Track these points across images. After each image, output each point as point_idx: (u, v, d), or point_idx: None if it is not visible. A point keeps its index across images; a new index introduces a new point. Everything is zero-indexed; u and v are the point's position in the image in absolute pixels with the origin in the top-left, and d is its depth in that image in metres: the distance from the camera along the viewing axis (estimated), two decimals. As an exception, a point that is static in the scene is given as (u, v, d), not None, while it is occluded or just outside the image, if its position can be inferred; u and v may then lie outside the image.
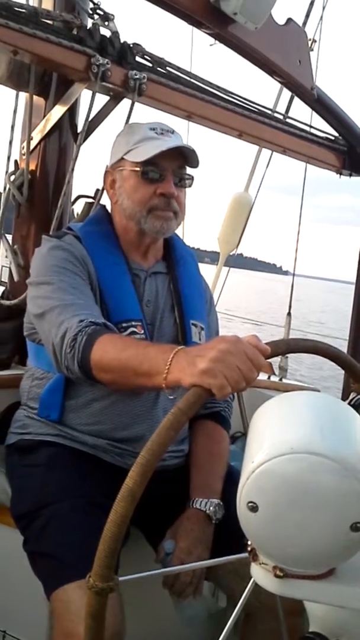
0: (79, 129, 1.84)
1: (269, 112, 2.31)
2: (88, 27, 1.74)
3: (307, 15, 3.00)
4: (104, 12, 1.76)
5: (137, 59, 1.82)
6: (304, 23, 2.94)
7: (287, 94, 2.71)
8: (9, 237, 2.00)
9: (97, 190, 1.90)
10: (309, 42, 2.60)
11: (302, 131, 2.40)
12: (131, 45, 1.79)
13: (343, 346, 2.61)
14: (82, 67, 1.67)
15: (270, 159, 3.07)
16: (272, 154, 2.92)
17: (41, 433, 1.48)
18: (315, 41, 2.86)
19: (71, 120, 1.93)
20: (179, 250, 1.64)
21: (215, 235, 3.17)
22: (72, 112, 1.90)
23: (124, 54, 1.76)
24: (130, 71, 1.76)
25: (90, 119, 1.80)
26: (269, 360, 2.72)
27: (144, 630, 1.45)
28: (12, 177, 1.91)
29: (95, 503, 1.29)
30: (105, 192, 1.59)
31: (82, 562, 0.98)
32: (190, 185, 1.51)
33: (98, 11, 1.76)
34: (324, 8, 3.08)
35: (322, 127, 2.50)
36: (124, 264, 1.50)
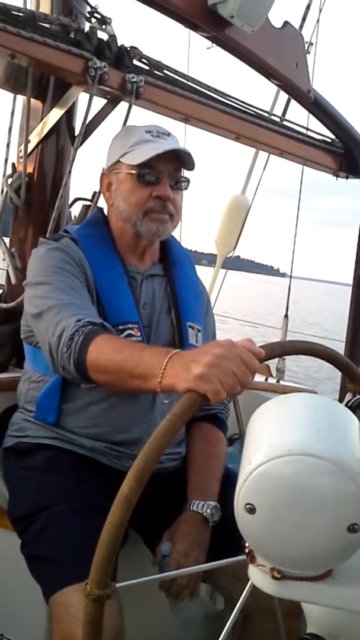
0: (77, 131, 1.84)
1: (266, 114, 2.32)
2: (85, 31, 1.74)
3: (304, 19, 3.01)
4: (101, 15, 1.76)
5: (135, 62, 1.82)
6: (301, 26, 2.95)
7: (284, 96, 2.72)
8: (7, 239, 2.00)
9: (95, 192, 1.90)
10: (306, 45, 2.61)
11: (299, 134, 2.41)
12: (128, 49, 1.79)
13: (340, 348, 2.61)
14: (80, 71, 1.67)
15: (267, 162, 3.08)
16: (269, 156, 2.93)
17: (38, 436, 1.48)
18: (312, 44, 2.87)
19: (68, 123, 1.93)
20: (175, 252, 1.64)
21: (213, 237, 3.17)
22: (69, 115, 1.91)
23: (121, 57, 1.76)
24: (127, 74, 1.76)
25: (87, 122, 1.80)
26: (267, 362, 2.73)
27: (141, 632, 1.45)
28: (10, 180, 1.91)
29: (93, 506, 1.29)
30: (102, 194, 1.59)
31: (80, 565, 0.98)
32: (186, 188, 1.52)
33: (95, 15, 1.77)
34: (320, 11, 3.10)
35: (318, 129, 2.50)
36: (121, 266, 1.51)
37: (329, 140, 2.53)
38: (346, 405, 1.07)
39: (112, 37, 1.76)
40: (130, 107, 1.81)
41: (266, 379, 2.63)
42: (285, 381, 2.79)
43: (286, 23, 2.17)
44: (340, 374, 1.18)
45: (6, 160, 1.93)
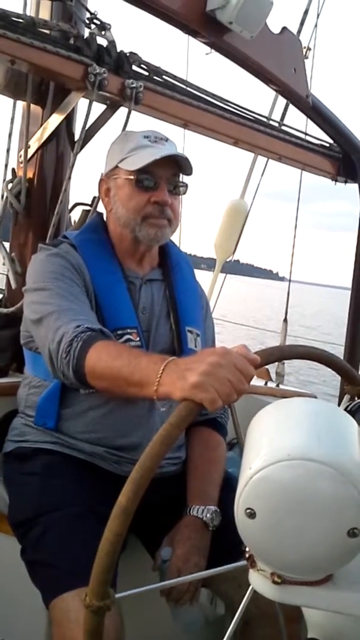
0: (76, 137, 1.85)
1: (265, 119, 2.33)
2: (85, 37, 1.75)
3: (302, 24, 3.02)
4: (101, 21, 1.77)
5: (134, 67, 1.83)
6: (299, 31, 2.96)
7: (282, 101, 2.72)
8: (7, 244, 2.01)
9: (94, 197, 1.90)
10: (304, 50, 2.62)
11: (297, 138, 2.42)
12: (128, 55, 1.80)
13: (340, 352, 2.61)
14: (79, 76, 1.68)
15: (265, 167, 3.09)
16: (267, 161, 2.93)
17: (38, 441, 1.48)
18: (310, 49, 2.88)
19: (68, 128, 1.94)
20: (174, 257, 1.64)
21: (212, 241, 3.18)
22: (69, 120, 1.91)
23: (121, 63, 1.77)
24: (126, 80, 1.77)
25: (87, 127, 1.81)
26: (266, 366, 2.73)
27: (141, 637, 1.45)
28: (10, 185, 1.92)
29: (93, 511, 1.29)
30: (100, 200, 1.60)
31: (80, 570, 0.98)
32: (184, 193, 1.52)
33: (95, 21, 1.77)
34: (318, 16, 3.11)
35: (317, 134, 2.51)
36: (119, 271, 1.51)
37: (327, 145, 2.54)
38: (345, 409, 1.08)
39: (112, 43, 1.77)
40: (129, 113, 1.82)
41: (265, 383, 2.63)
42: (284, 385, 2.79)
43: (284, 29, 2.18)
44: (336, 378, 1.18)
45: (6, 166, 1.94)
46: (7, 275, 1.96)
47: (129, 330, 1.43)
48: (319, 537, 0.72)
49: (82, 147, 1.83)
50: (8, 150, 1.90)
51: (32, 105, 1.87)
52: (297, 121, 2.50)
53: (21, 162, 1.90)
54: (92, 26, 1.77)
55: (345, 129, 2.51)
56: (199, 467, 1.53)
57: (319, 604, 0.80)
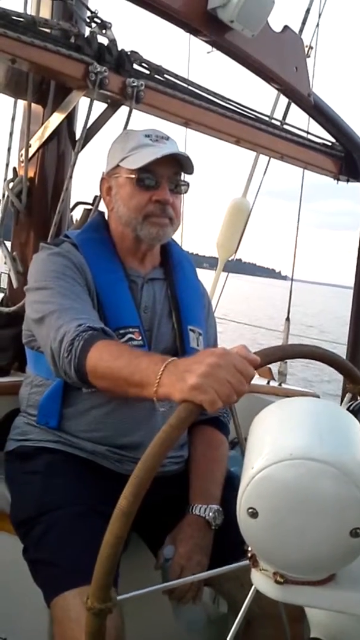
0: (77, 136, 1.85)
1: (266, 118, 2.32)
2: (86, 36, 1.75)
3: (304, 23, 3.02)
4: (102, 20, 1.77)
5: (135, 66, 1.83)
6: (301, 30, 2.96)
7: (284, 100, 2.72)
8: (8, 244, 2.01)
9: (96, 196, 1.90)
10: (306, 49, 2.61)
11: (299, 137, 2.41)
12: (129, 53, 1.80)
13: (342, 351, 2.61)
14: (80, 75, 1.68)
15: (267, 165, 3.08)
16: (269, 160, 2.93)
17: (41, 440, 1.48)
18: (311, 48, 2.88)
19: (69, 127, 1.94)
20: (176, 256, 1.64)
21: (214, 240, 3.17)
22: (70, 119, 1.91)
23: (122, 61, 1.77)
24: (127, 79, 1.77)
25: (88, 126, 1.81)
26: (269, 365, 2.73)
27: (143, 636, 1.45)
28: (11, 185, 1.92)
29: (95, 509, 1.29)
30: (102, 199, 1.60)
31: (81, 569, 0.98)
32: (185, 192, 1.52)
33: (95, 19, 1.77)
34: (320, 15, 3.10)
35: (319, 133, 2.51)
36: (121, 270, 1.51)
37: (330, 144, 2.54)
38: (348, 409, 1.07)
39: (113, 41, 1.76)
40: (130, 112, 1.82)
41: (268, 383, 2.63)
42: (287, 384, 2.79)
43: (286, 27, 2.18)
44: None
45: (7, 165, 1.94)
46: (8, 275, 1.96)
47: (131, 330, 1.43)
48: (321, 537, 0.72)
49: (83, 146, 1.83)
50: (9, 150, 1.90)
51: (33, 104, 1.87)
52: (299, 120, 2.50)
53: (22, 161, 1.90)
54: (93, 25, 1.77)
55: (348, 127, 2.51)
56: (201, 466, 1.53)
57: (321, 604, 0.80)
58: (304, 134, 2.46)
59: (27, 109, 1.87)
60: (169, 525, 1.42)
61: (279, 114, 2.74)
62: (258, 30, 1.90)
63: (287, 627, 1.14)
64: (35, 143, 1.89)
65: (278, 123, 2.43)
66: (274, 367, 2.87)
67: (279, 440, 0.74)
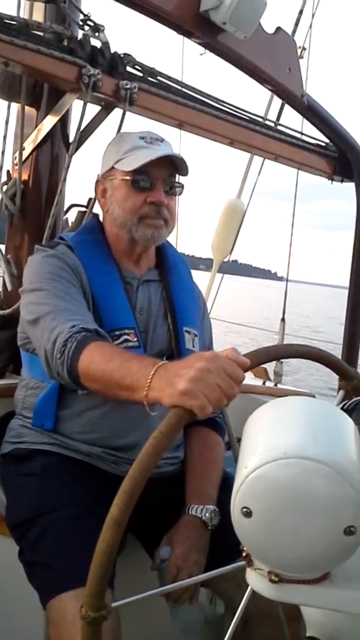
0: (71, 138, 1.84)
1: (260, 119, 2.33)
2: (79, 38, 1.74)
3: (297, 24, 3.03)
4: (95, 23, 1.77)
5: (128, 69, 1.83)
6: (294, 31, 2.97)
7: (278, 101, 2.73)
8: (2, 246, 2.01)
9: (90, 199, 1.90)
10: (299, 50, 2.62)
11: (293, 138, 2.42)
12: (122, 56, 1.80)
13: (337, 351, 2.61)
14: (73, 78, 1.68)
15: (262, 166, 3.09)
16: (263, 161, 2.94)
17: (36, 442, 1.48)
18: (305, 49, 2.88)
19: (63, 130, 1.94)
20: (171, 257, 1.64)
21: (209, 242, 3.18)
22: (63, 122, 1.91)
23: (115, 64, 1.77)
24: (121, 81, 1.77)
25: (81, 129, 1.80)
26: (264, 365, 2.73)
27: (140, 637, 1.45)
28: (5, 187, 1.92)
29: (91, 511, 1.29)
30: (97, 201, 1.60)
31: (77, 571, 0.98)
32: (180, 193, 1.53)
33: (88, 22, 1.77)
34: (313, 16, 3.11)
35: (313, 133, 2.52)
36: (116, 272, 1.51)
37: (323, 145, 2.54)
38: (342, 407, 1.08)
39: (106, 44, 1.76)
40: (124, 114, 1.82)
41: (264, 383, 2.64)
42: (283, 385, 2.79)
43: (278, 29, 2.18)
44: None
45: (1, 168, 1.93)
46: (2, 277, 1.96)
47: (126, 331, 1.43)
48: (315, 536, 0.72)
49: (77, 149, 1.83)
50: (3, 152, 1.89)
51: (26, 107, 1.87)
52: (293, 121, 2.50)
53: (16, 164, 1.90)
54: (86, 28, 1.77)
55: (341, 128, 2.52)
56: (197, 466, 1.53)
57: (316, 602, 0.80)
58: (298, 135, 2.46)
59: (20, 112, 1.87)
60: (165, 526, 1.42)
61: (272, 115, 2.76)
62: (251, 31, 1.90)
63: (286, 626, 1.14)
64: (28, 146, 1.89)
65: (272, 124, 2.43)
66: (270, 367, 2.87)
67: (273, 440, 0.75)
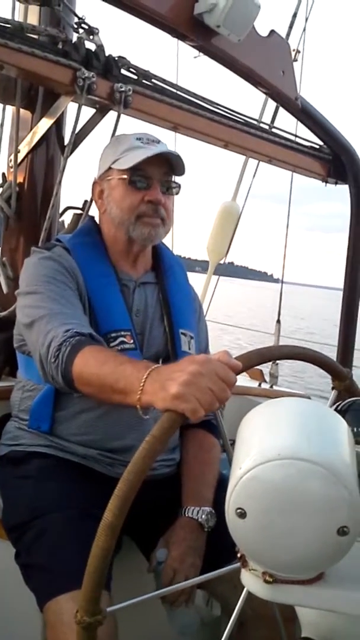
0: (66, 141, 1.85)
1: (255, 122, 2.33)
2: (73, 41, 1.75)
3: (291, 27, 3.03)
4: (89, 26, 1.77)
5: (123, 71, 1.83)
6: (288, 34, 2.97)
7: (272, 104, 2.73)
8: (-2, 249, 2.01)
9: (86, 201, 1.91)
10: (293, 53, 2.63)
11: (287, 140, 2.43)
12: (116, 58, 1.81)
13: (333, 353, 2.62)
14: (68, 81, 1.68)
15: (257, 169, 3.10)
16: (258, 163, 2.94)
17: (32, 444, 1.48)
18: (299, 52, 2.89)
19: (58, 133, 1.95)
20: (167, 260, 1.65)
21: (205, 244, 3.18)
22: (58, 125, 1.92)
23: (109, 67, 1.77)
24: (115, 84, 1.77)
25: (76, 131, 1.81)
26: (260, 367, 2.74)
27: (136, 639, 1.44)
28: (0, 190, 1.92)
29: (87, 513, 1.29)
30: (93, 203, 1.61)
31: (74, 573, 0.99)
32: (177, 193, 1.53)
33: (83, 25, 1.77)
34: (307, 19, 3.12)
35: (307, 136, 2.52)
36: (113, 274, 1.51)
37: (318, 147, 2.55)
38: (336, 408, 1.08)
39: (100, 47, 1.77)
40: (119, 116, 1.82)
41: (259, 385, 2.64)
42: (278, 386, 2.80)
43: (272, 32, 2.19)
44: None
45: (-4, 171, 1.94)
46: (-2, 280, 1.96)
47: (122, 333, 1.44)
48: (309, 536, 0.73)
49: (72, 151, 1.83)
50: (-2, 155, 1.90)
51: (21, 110, 1.87)
52: (287, 123, 2.51)
53: (11, 167, 1.90)
54: (80, 31, 1.77)
55: (335, 130, 2.52)
56: (193, 468, 1.53)
57: (311, 603, 0.81)
58: (292, 137, 2.47)
59: (15, 115, 1.87)
60: (161, 528, 1.42)
61: (267, 118, 2.76)
62: (244, 35, 1.91)
63: (282, 627, 1.14)
64: (24, 148, 1.89)
65: (266, 127, 2.44)
66: (265, 369, 2.88)
67: (267, 441, 0.75)
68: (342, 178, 2.60)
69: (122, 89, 1.77)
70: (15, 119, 1.87)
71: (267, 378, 2.81)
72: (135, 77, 1.88)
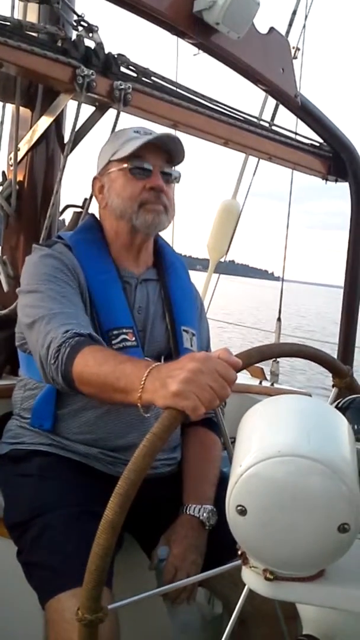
0: (66, 139, 1.85)
1: (255, 119, 2.33)
2: (72, 39, 1.75)
3: (290, 24, 3.03)
4: (88, 23, 1.77)
5: (122, 69, 1.83)
6: (287, 32, 2.96)
7: (272, 102, 2.73)
8: (-2, 247, 2.01)
9: (85, 199, 1.91)
10: (293, 50, 2.62)
11: (287, 138, 2.42)
12: (116, 56, 1.80)
13: (334, 350, 2.62)
14: (67, 79, 1.68)
15: (257, 166, 3.09)
16: (258, 161, 2.94)
17: (34, 443, 1.48)
18: (298, 49, 2.89)
19: (58, 131, 1.94)
20: (168, 257, 1.65)
21: (206, 242, 3.18)
22: (58, 122, 1.91)
23: (109, 64, 1.77)
24: (115, 81, 1.77)
25: (76, 129, 1.81)
26: (260, 365, 2.74)
27: (138, 637, 1.45)
28: (0, 189, 1.92)
29: (89, 512, 1.29)
30: (94, 201, 1.60)
31: (75, 571, 0.99)
32: (177, 181, 1.53)
33: (82, 23, 1.77)
34: (306, 17, 3.11)
35: (307, 134, 2.52)
36: (114, 271, 1.51)
37: (317, 145, 2.55)
38: (337, 406, 1.08)
39: (99, 44, 1.77)
40: (118, 114, 1.82)
41: (260, 382, 2.64)
42: (279, 384, 2.80)
43: (272, 29, 2.18)
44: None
45: (-4, 169, 1.94)
46: (-1, 278, 1.96)
47: (124, 330, 1.43)
48: (309, 533, 0.73)
49: (72, 149, 1.83)
50: (-3, 153, 1.90)
51: (21, 108, 1.87)
52: (287, 121, 2.51)
53: (11, 165, 1.90)
54: (80, 28, 1.77)
55: (335, 128, 2.52)
56: (194, 466, 1.53)
57: (311, 600, 0.81)
58: (292, 135, 2.47)
59: (15, 113, 1.87)
60: (162, 526, 1.42)
61: (267, 116, 2.75)
62: (244, 32, 1.90)
63: (284, 625, 1.14)
64: (24, 147, 1.89)
65: (266, 124, 2.44)
66: (266, 367, 2.88)
67: (267, 438, 0.75)
68: (342, 175, 2.60)
69: (122, 87, 1.77)
70: (15, 117, 1.87)
71: (268, 376, 2.81)
72: (135, 74, 1.88)
